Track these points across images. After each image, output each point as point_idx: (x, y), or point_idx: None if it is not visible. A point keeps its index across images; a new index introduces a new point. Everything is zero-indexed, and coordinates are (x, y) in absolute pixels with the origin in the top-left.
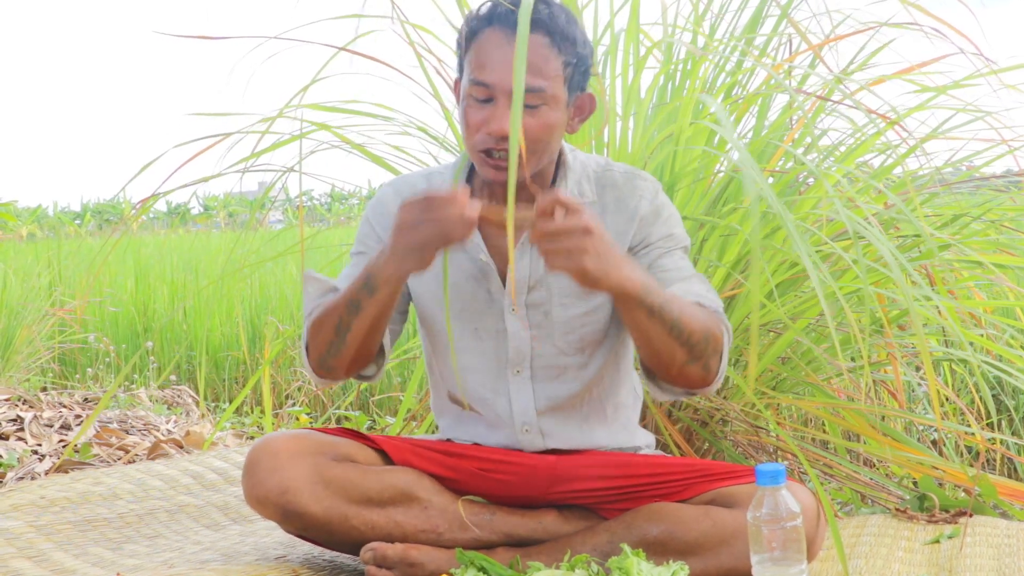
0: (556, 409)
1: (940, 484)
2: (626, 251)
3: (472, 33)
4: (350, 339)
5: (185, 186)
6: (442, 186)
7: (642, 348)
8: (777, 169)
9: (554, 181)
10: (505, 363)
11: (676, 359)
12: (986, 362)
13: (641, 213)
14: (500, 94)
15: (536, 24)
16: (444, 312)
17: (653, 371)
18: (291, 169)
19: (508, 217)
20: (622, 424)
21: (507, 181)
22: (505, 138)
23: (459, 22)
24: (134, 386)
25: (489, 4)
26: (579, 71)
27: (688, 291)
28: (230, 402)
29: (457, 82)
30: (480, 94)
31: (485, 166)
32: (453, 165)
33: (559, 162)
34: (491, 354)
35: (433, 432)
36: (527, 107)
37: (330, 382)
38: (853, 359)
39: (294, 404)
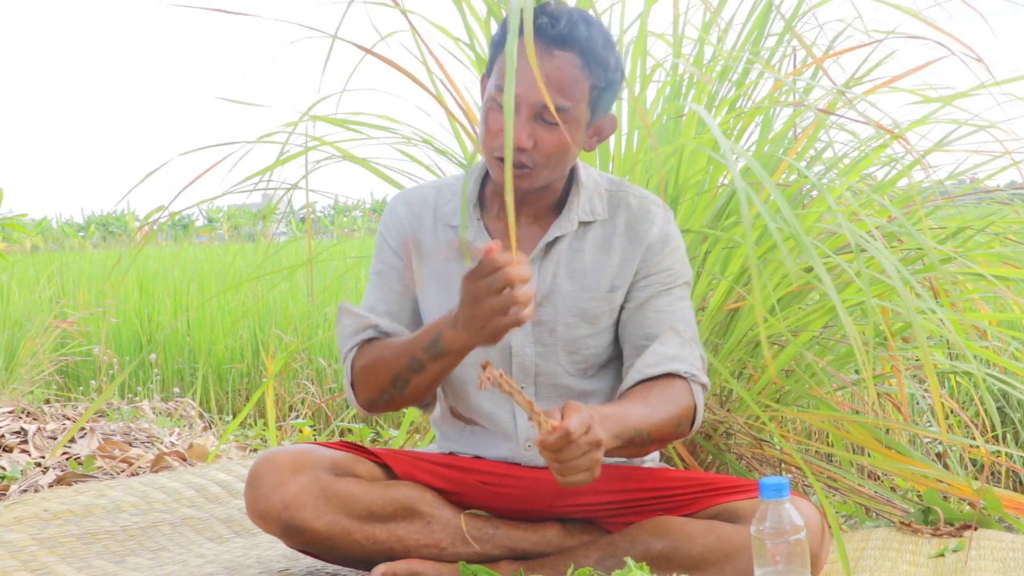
0: None
1: (945, 497)
2: (630, 278)
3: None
4: (409, 392)
5: (193, 206)
6: (452, 199)
7: None
8: (780, 182)
9: (566, 197)
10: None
11: (649, 452)
12: (991, 375)
13: (650, 240)
14: (523, 104)
15: (571, 43)
16: None
17: None
18: (295, 185)
19: (511, 230)
20: None
21: (518, 190)
22: (521, 149)
23: (461, 26)
24: (137, 398)
25: (530, 11)
26: (606, 95)
27: (661, 355)
28: (234, 414)
29: (484, 78)
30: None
31: (499, 171)
32: (462, 177)
33: (572, 179)
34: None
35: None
36: (546, 122)
37: (377, 414)
38: (856, 372)
39: (297, 416)
